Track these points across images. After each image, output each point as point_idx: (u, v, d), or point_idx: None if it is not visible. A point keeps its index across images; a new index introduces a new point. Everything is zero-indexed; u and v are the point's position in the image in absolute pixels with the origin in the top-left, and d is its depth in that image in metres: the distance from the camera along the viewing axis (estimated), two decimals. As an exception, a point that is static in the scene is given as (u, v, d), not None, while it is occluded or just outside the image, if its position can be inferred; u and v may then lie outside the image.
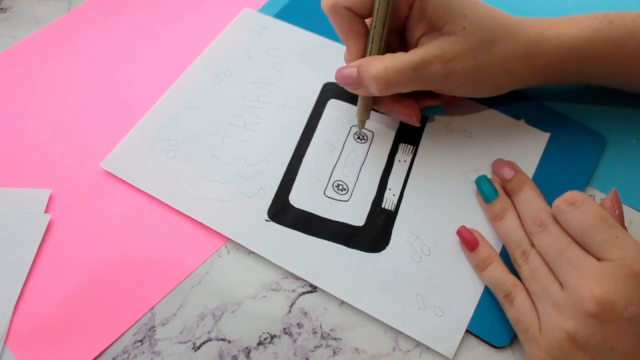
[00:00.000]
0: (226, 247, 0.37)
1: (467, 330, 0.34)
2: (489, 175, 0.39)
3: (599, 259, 0.30)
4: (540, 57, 0.37)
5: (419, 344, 0.34)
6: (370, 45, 0.37)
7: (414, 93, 0.38)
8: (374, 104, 0.39)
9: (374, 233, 0.37)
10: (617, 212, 0.32)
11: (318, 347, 0.34)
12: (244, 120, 0.42)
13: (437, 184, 0.39)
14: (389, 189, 0.39)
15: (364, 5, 0.36)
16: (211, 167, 0.40)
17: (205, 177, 0.39)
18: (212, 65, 0.45)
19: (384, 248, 0.37)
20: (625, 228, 0.32)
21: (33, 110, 0.44)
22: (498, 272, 0.34)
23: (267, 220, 0.38)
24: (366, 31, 0.37)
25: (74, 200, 0.40)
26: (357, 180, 0.39)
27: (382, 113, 0.41)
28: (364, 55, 0.37)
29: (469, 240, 0.36)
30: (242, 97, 0.43)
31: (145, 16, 0.50)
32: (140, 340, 0.34)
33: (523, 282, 0.33)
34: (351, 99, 0.43)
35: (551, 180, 0.39)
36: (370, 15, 0.36)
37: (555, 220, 0.33)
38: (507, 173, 0.37)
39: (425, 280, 0.36)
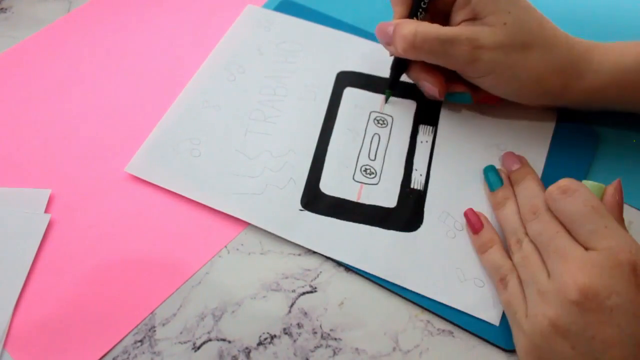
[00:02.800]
0: (226, 247, 0.37)
1: (473, 334, 0.34)
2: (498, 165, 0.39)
3: (586, 248, 0.30)
4: (577, 80, 0.37)
5: (418, 344, 0.34)
6: (412, 12, 0.39)
7: (447, 74, 0.39)
8: (406, 70, 0.41)
9: (407, 213, 0.38)
10: (617, 200, 0.32)
11: (318, 347, 0.34)
12: (264, 114, 0.42)
13: (460, 160, 0.40)
14: (416, 170, 0.40)
15: None
16: (238, 162, 0.40)
17: (234, 173, 0.39)
18: (224, 63, 0.45)
19: (418, 227, 0.37)
20: (622, 219, 0.32)
21: (34, 110, 0.43)
22: (497, 256, 0.35)
23: (301, 210, 0.38)
24: (411, 1, 0.39)
25: (74, 200, 0.39)
26: (383, 164, 0.40)
27: (408, 88, 0.43)
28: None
29: (473, 223, 0.37)
30: (258, 92, 0.44)
31: (146, 16, 0.49)
32: (141, 341, 0.34)
33: (516, 268, 0.34)
34: (367, 85, 0.44)
35: (549, 176, 0.39)
36: None
37: (549, 208, 0.33)
38: (514, 164, 0.38)
39: (463, 254, 0.36)
